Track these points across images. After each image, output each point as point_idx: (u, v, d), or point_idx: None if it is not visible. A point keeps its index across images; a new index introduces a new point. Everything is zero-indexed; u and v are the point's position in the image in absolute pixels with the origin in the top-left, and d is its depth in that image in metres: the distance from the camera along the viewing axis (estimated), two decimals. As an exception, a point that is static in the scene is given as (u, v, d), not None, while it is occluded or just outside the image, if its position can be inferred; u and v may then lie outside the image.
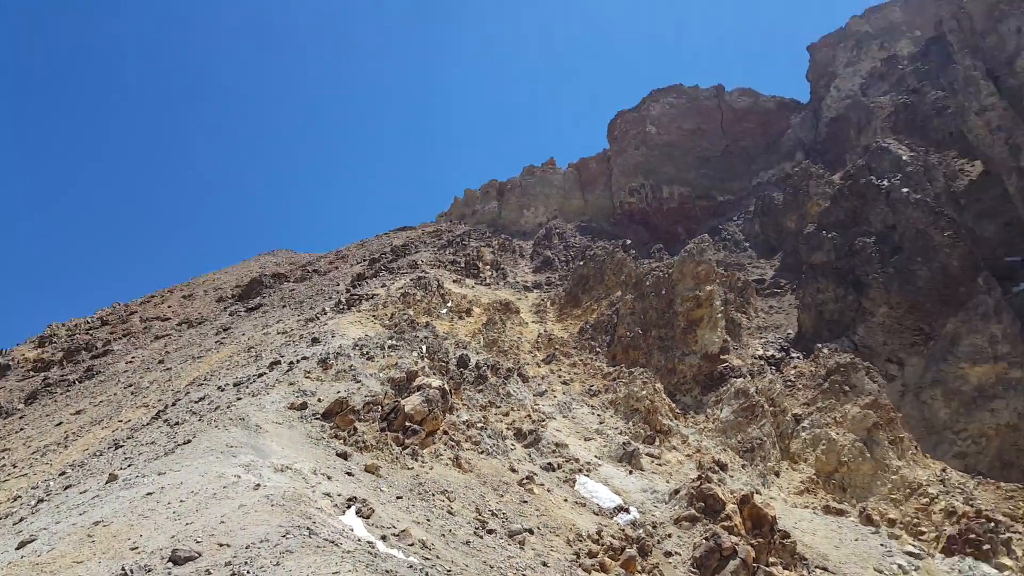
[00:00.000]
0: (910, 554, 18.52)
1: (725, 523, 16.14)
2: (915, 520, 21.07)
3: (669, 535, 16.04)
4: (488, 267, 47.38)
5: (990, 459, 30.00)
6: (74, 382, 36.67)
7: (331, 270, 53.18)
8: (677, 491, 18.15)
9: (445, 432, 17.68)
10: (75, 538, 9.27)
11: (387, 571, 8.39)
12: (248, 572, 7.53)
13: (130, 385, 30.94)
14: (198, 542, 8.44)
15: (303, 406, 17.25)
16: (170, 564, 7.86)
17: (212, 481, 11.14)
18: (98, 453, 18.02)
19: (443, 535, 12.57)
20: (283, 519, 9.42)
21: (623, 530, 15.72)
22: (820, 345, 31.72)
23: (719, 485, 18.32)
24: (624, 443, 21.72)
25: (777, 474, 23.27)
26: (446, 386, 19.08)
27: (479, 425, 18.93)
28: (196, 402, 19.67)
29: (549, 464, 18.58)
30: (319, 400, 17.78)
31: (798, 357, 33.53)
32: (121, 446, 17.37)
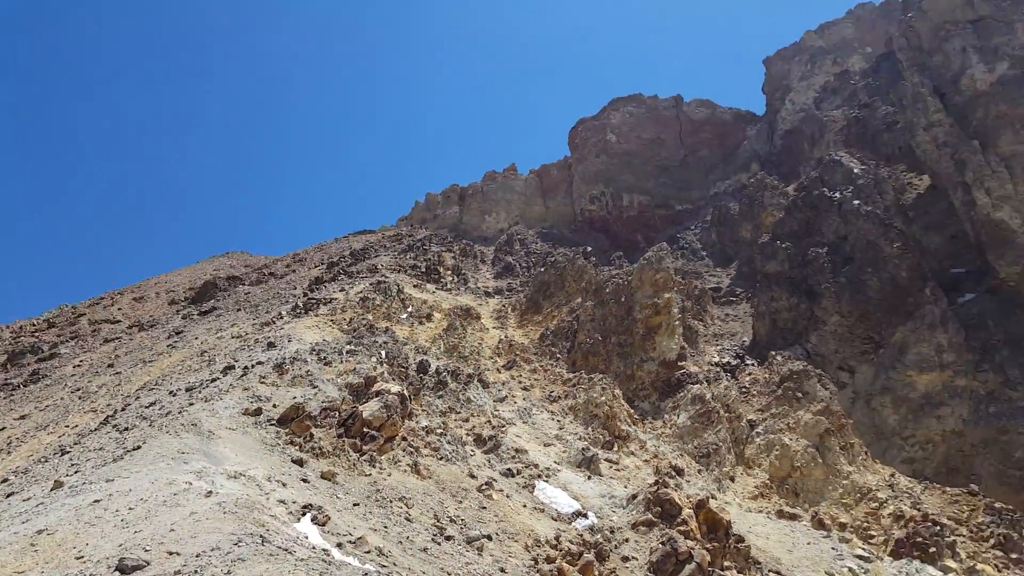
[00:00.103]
0: (860, 557, 18.98)
1: (681, 528, 16.31)
2: (865, 524, 21.62)
3: (626, 540, 16.14)
4: (449, 272, 47.23)
5: (936, 464, 30.99)
6: (19, 386, 35.33)
7: (288, 273, 52.37)
8: (635, 496, 18.29)
9: (404, 438, 17.51)
10: (17, 547, 8.91)
11: (342, 579, 8.25)
12: (199, 581, 7.33)
13: (78, 389, 29.96)
14: (147, 550, 8.20)
15: (258, 412, 16.91)
16: (117, 573, 7.60)
17: (162, 488, 10.84)
18: (43, 459, 17.38)
19: (400, 542, 12.43)
20: (235, 527, 9.21)
21: (581, 535, 15.78)
22: (774, 353, 32.39)
23: (676, 490, 18.52)
24: (583, 448, 21.83)
25: (732, 479, 23.64)
26: (405, 392, 18.92)
27: (438, 431, 18.82)
28: (147, 407, 19.14)
29: (508, 470, 18.55)
30: (274, 406, 17.46)
31: (753, 364, 34.17)
32: (68, 452, 16.78)
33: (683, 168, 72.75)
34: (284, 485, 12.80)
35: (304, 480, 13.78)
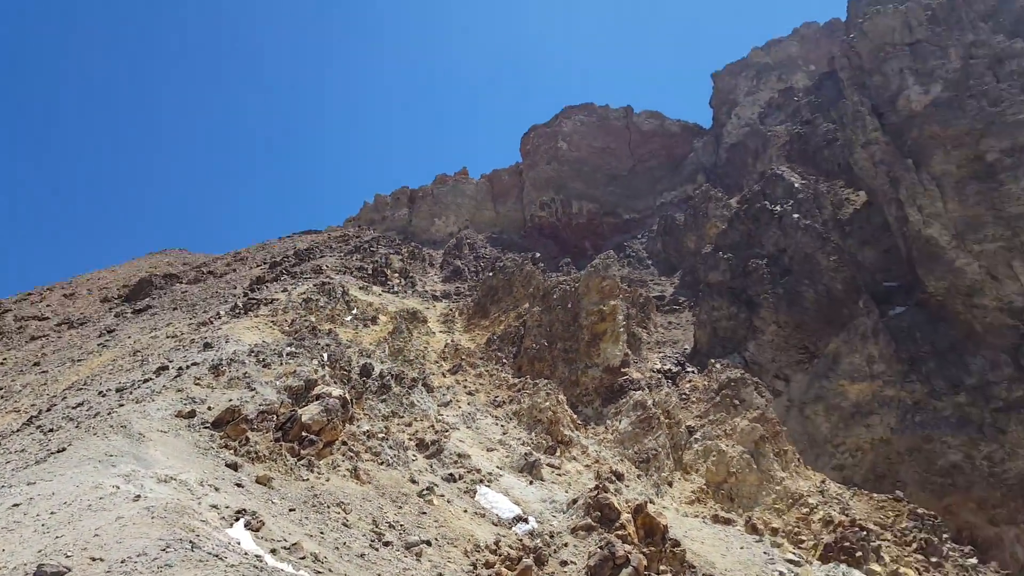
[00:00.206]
0: (790, 561, 19.55)
1: (619, 532, 16.51)
2: (796, 529, 22.28)
3: (566, 544, 16.25)
4: (396, 275, 46.85)
5: (865, 471, 32.20)
6: (-66, 385, 33.50)
7: (228, 272, 51.13)
8: (575, 501, 18.44)
9: (344, 443, 17.28)
10: (-74, 555, 8.45)
11: (274, 586, 8.11)
12: (122, 589, 7.11)
13: (0, 389, 28.60)
14: (68, 556, 7.90)
15: (191, 414, 16.45)
16: (34, 581, 7.30)
17: (87, 492, 10.46)
18: (-42, 462, 16.51)
19: (337, 548, 12.26)
20: (164, 532, 8.97)
21: (521, 540, 15.81)
22: (714, 361, 33.13)
23: (615, 495, 18.75)
24: (526, 454, 21.89)
25: (670, 484, 24.06)
26: (347, 395, 18.67)
27: (380, 436, 18.62)
28: (74, 408, 18.40)
29: (451, 475, 18.48)
30: (209, 408, 17.01)
31: (693, 371, 34.90)
32: (-15, 455, 15.99)
33: (632, 177, 73.97)
34: (217, 490, 12.49)
35: (238, 485, 13.46)
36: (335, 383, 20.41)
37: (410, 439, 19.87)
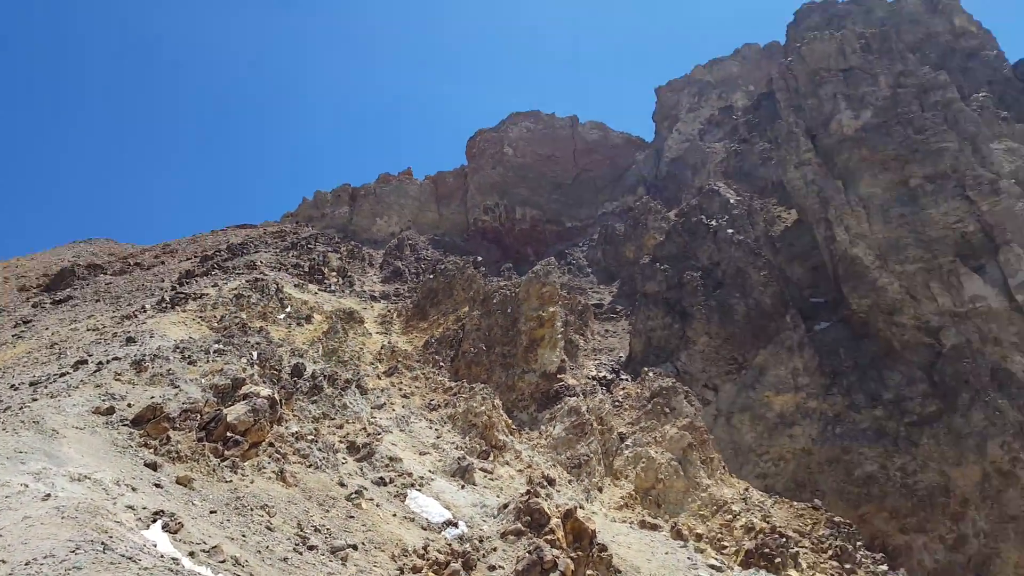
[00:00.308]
0: (712, 567, 20.06)
1: (548, 537, 16.62)
2: (719, 535, 22.89)
3: (495, 549, 16.25)
4: (334, 273, 46.09)
5: (786, 480, 33.35)
6: None
7: (156, 265, 49.37)
8: (506, 505, 18.47)
9: (271, 444, 16.86)
10: None
11: (190, 589, 7.87)
12: (26, 592, 6.78)
13: (-101, 380, 26.80)
14: (-34, 558, 7.48)
15: (110, 411, 15.79)
16: (-75, 586, 6.89)
17: (-8, 491, 9.92)
18: None
19: (259, 551, 11.96)
20: (74, 533, 8.61)
21: (449, 545, 15.74)
22: (647, 369, 33.78)
23: (546, 500, 18.87)
24: (459, 458, 21.83)
25: (600, 489, 24.38)
26: (276, 396, 18.23)
27: (309, 437, 18.25)
28: (-19, 402, 17.41)
29: (381, 479, 18.25)
30: (129, 405, 16.36)
31: (627, 379, 35.51)
32: None
33: (575, 186, 74.87)
34: (134, 490, 12.04)
35: (157, 485, 13.00)
36: (264, 383, 19.92)
37: (341, 441, 19.55)
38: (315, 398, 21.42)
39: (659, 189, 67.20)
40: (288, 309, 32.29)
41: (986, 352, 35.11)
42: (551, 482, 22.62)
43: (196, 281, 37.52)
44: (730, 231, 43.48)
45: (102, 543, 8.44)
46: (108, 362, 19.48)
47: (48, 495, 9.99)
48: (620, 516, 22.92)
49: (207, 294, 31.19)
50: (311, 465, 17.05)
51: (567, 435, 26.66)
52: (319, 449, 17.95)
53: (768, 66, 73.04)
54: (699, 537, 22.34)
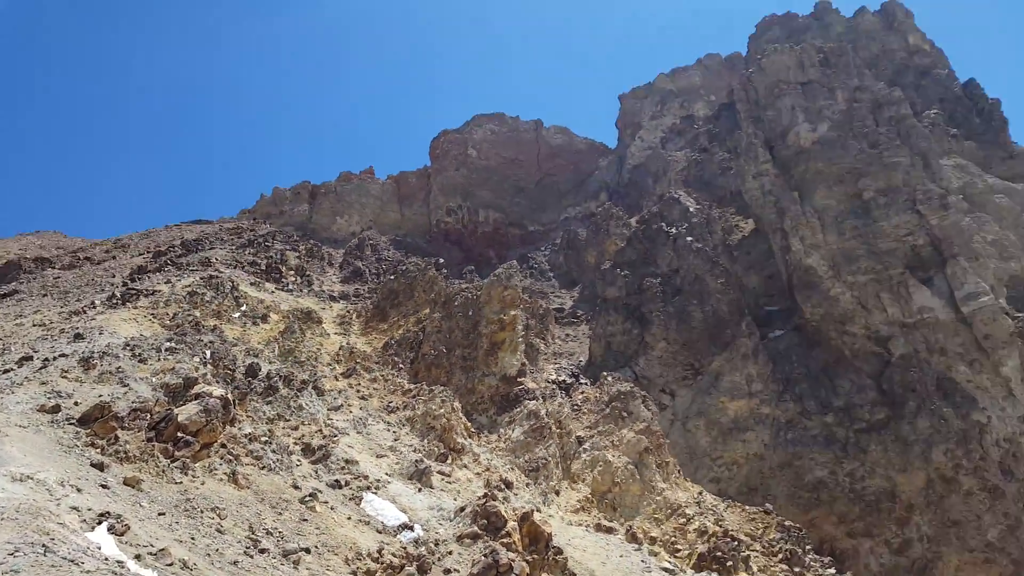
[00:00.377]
0: (666, 570, 20.31)
1: (504, 540, 16.62)
2: (673, 538, 23.18)
3: (450, 552, 16.18)
4: (292, 272, 45.39)
5: (739, 484, 33.93)
6: None
7: (107, 259, 47.99)
8: (463, 509, 18.42)
9: (223, 445, 16.52)
10: None
11: (135, 593, 7.67)
12: (-40, 596, 6.54)
13: None
14: None
15: (55, 409, 15.30)
16: None
17: (-71, 491, 9.55)
18: None
19: (208, 554, 11.71)
20: (14, 534, 8.36)
21: (405, 548, 15.62)
22: (606, 374, 34.05)
23: (503, 503, 18.87)
24: (416, 461, 21.69)
25: (558, 493, 24.48)
26: (229, 396, 17.88)
27: (263, 439, 17.93)
28: (-83, 399, 16.69)
29: (336, 481, 18.02)
30: (76, 403, 15.88)
31: (586, 383, 35.74)
32: None
33: (538, 190, 75.17)
34: (79, 491, 11.70)
35: (103, 486, 12.65)
36: (217, 382, 19.52)
37: (295, 443, 19.26)
38: (270, 399, 21.06)
39: (621, 195, 67.88)
40: (244, 308, 31.70)
41: (932, 362, 36.27)
42: (509, 485, 22.63)
43: (149, 277, 36.59)
44: (689, 239, 44.12)
45: (43, 545, 8.25)
46: (55, 359, 18.90)
47: (-13, 496, 9.65)
48: (577, 519, 23.04)
49: (160, 291, 30.44)
50: (264, 467, 16.76)
51: (526, 438, 26.70)
52: (273, 451, 17.66)
53: (729, 76, 74.43)
54: (653, 540, 22.58)
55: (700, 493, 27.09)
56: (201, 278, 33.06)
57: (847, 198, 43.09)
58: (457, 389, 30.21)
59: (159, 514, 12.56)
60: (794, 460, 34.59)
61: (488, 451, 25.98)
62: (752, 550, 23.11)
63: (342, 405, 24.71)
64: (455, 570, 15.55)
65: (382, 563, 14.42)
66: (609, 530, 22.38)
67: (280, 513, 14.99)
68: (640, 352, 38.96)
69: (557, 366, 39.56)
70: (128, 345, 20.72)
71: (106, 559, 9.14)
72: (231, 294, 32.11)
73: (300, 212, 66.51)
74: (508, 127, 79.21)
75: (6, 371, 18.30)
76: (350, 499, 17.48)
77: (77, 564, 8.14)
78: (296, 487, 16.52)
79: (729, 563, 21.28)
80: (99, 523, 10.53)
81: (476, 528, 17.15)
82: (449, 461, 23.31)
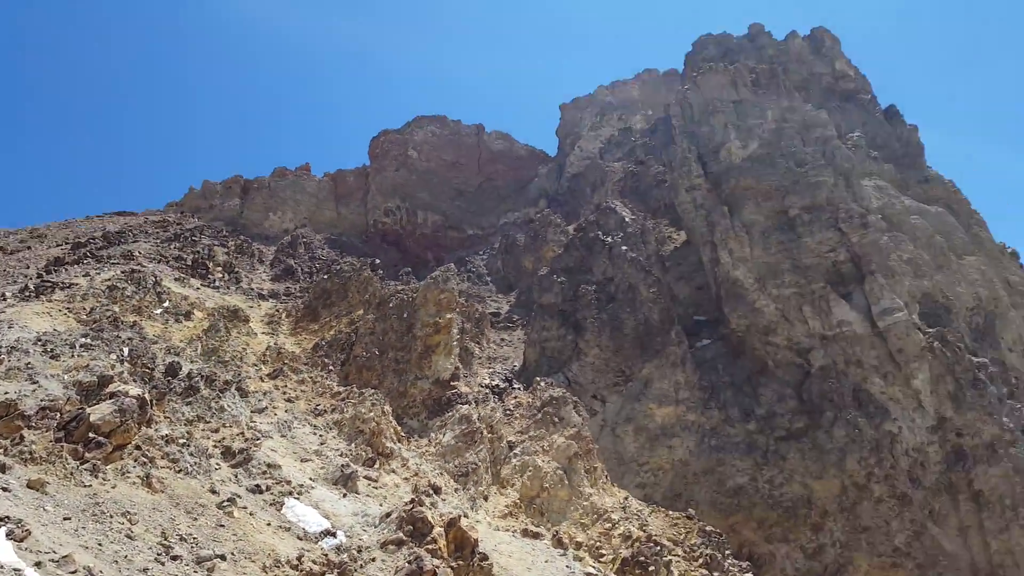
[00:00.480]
0: (589, 575, 20.53)
1: (430, 546, 16.50)
2: (598, 543, 23.47)
3: (373, 559, 15.95)
4: (220, 268, 44.02)
5: (664, 490, 34.65)
6: None
7: (21, 250, 45.44)
8: (388, 514, 18.20)
9: (138, 447, 15.87)
10: None
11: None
12: None
13: None
14: None
15: (-46, 407, 14.41)
16: None
17: None
18: None
19: (116, 561, 11.24)
20: None
21: (326, 555, 15.32)
22: (539, 379, 34.27)
23: (430, 509, 18.73)
24: (343, 465, 21.31)
25: (486, 498, 24.46)
26: (147, 396, 17.19)
27: (181, 441, 17.30)
28: None
29: (257, 486, 17.54)
30: (-22, 401, 14.98)
31: (519, 388, 35.88)
32: None
33: (478, 194, 75.22)
34: (-25, 495, 11.06)
35: (4, 489, 12.04)
36: (134, 381, 18.77)
37: (215, 446, 18.67)
38: (190, 400, 20.35)
39: (560, 203, 68.59)
40: (166, 304, 30.56)
41: (849, 373, 37.90)
42: (437, 491, 22.48)
43: (66, 269, 34.84)
44: (624, 248, 44.90)
45: (-71, 553, 7.72)
46: (-45, 353, 17.79)
47: None
48: (504, 525, 23.07)
49: (77, 284, 29.05)
50: (181, 470, 16.18)
51: (456, 443, 26.60)
52: (191, 454, 17.07)
53: (666, 92, 76.26)
54: (579, 545, 22.81)
55: (626, 498, 27.52)
56: (122, 272, 31.73)
57: (774, 214, 44.70)
58: (389, 392, 29.85)
59: (64, 519, 12.00)
60: (717, 466, 35.54)
61: (418, 456, 25.76)
62: (674, 555, 23.59)
63: (267, 407, 24.08)
64: (378, 576, 15.34)
65: (302, 570, 14.11)
66: (535, 535, 22.49)
67: (195, 518, 14.50)
68: (574, 358, 39.38)
69: (491, 370, 39.59)
70: (40, 340, 19.70)
71: (2, 567, 8.69)
72: (153, 289, 30.92)
73: (231, 207, 64.43)
74: (450, 130, 78.99)
75: (-100, 366, 17.14)
76: (271, 504, 17.05)
77: (-33, 573, 7.68)
78: (214, 492, 16.01)
79: (651, 568, 21.68)
80: (-3, 528, 10.03)
81: (401, 534, 16.96)
82: (377, 466, 22.99)
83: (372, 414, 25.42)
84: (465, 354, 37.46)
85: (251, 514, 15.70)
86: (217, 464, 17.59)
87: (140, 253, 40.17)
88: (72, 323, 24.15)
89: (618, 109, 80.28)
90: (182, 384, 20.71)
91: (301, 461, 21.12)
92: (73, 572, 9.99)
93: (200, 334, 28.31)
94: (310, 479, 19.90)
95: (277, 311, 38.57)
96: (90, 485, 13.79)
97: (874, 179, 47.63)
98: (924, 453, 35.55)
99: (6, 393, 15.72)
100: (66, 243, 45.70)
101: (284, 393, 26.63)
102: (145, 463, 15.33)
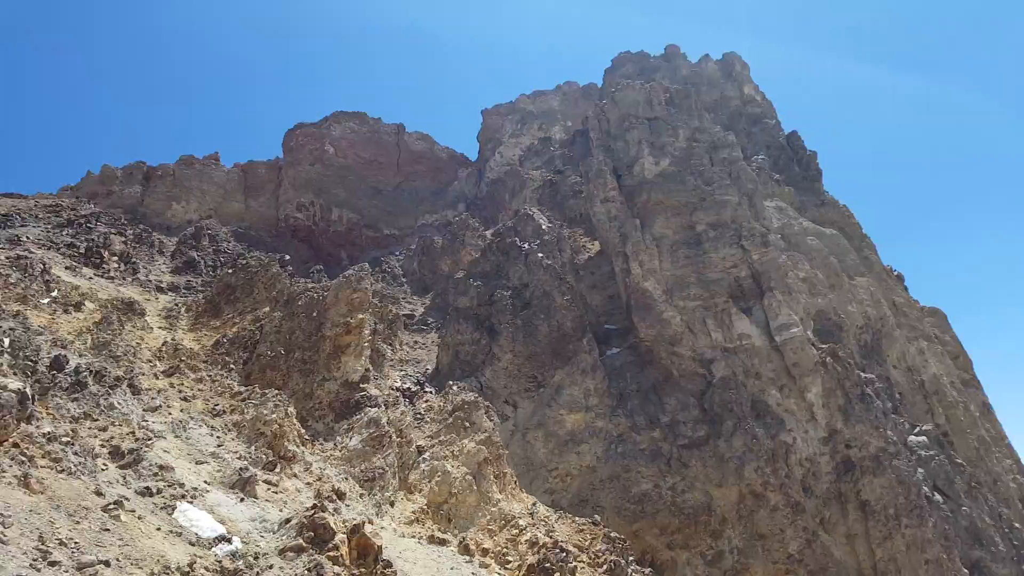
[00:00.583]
0: (494, 581, 20.45)
1: (331, 553, 15.97)
2: (505, 550, 23.41)
3: (271, 566, 15.29)
4: (116, 258, 41.45)
5: (571, 496, 35.06)
6: None
7: None
8: (288, 520, 17.50)
9: (16, 445, 14.61)
10: None
11: None
12: None
13: None
14: None
15: None
16: None
17: None
18: None
19: (-17, 570, 10.26)
20: None
21: (220, 562, 14.55)
22: (451, 383, 34.02)
23: (333, 514, 18.15)
24: (241, 468, 20.35)
25: (392, 504, 23.97)
26: (28, 390, 15.86)
27: (65, 439, 16.05)
28: None
29: (147, 488, 16.47)
30: None
31: (431, 392, 35.49)
32: None
33: (396, 194, 74.27)
34: None
35: None
36: (15, 374, 17.32)
37: (103, 445, 17.44)
38: (76, 395, 18.96)
39: (478, 207, 68.66)
40: (55, 293, 28.45)
41: (748, 385, 39.59)
42: (341, 496, 21.84)
43: (-62, 251, 31.90)
44: (540, 255, 45.32)
45: None
46: None
47: None
48: (410, 531, 22.66)
49: (-50, 268, 26.64)
50: (63, 470, 15.00)
51: (364, 447, 25.94)
52: (75, 453, 15.86)
53: (585, 105, 77.82)
54: (485, 552, 22.67)
55: (534, 504, 27.62)
56: (7, 257, 29.32)
57: (682, 229, 46.27)
58: (294, 393, 28.83)
59: (-78, 524, 10.88)
60: (623, 473, 36.29)
61: (322, 460, 24.96)
62: (579, 561, 23.82)
63: (160, 406, 22.74)
64: (276, 584, 14.71)
65: (193, 578, 13.33)
66: (442, 542, 22.21)
67: (78, 522, 13.46)
68: (487, 363, 39.35)
69: (403, 373, 38.99)
70: (-99, 327, 17.88)
71: None
72: (41, 277, 28.73)
73: (131, 194, 60.96)
74: (369, 127, 77.70)
75: None
76: (161, 508, 16.06)
77: None
78: (99, 493, 14.92)
79: (557, 574, 21.78)
80: None
81: (301, 541, 16.33)
82: (278, 470, 22.12)
83: (275, 415, 24.46)
84: (376, 356, 36.65)
85: (140, 518, 14.73)
86: (104, 464, 16.42)
87: (28, 238, 37.36)
88: (-57, 310, 22.07)
89: (538, 118, 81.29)
90: (68, 379, 19.25)
91: (196, 463, 20.04)
92: (-69, 582, 9.06)
93: (91, 326, 26.48)
94: (205, 482, 18.90)
95: (176, 305, 36.64)
96: (-44, 487, 12.59)
97: (775, 200, 50.13)
98: (816, 463, 37.51)
99: None
100: (-60, 223, 41.91)
101: (180, 392, 25.25)
102: (23, 462, 14.13)
